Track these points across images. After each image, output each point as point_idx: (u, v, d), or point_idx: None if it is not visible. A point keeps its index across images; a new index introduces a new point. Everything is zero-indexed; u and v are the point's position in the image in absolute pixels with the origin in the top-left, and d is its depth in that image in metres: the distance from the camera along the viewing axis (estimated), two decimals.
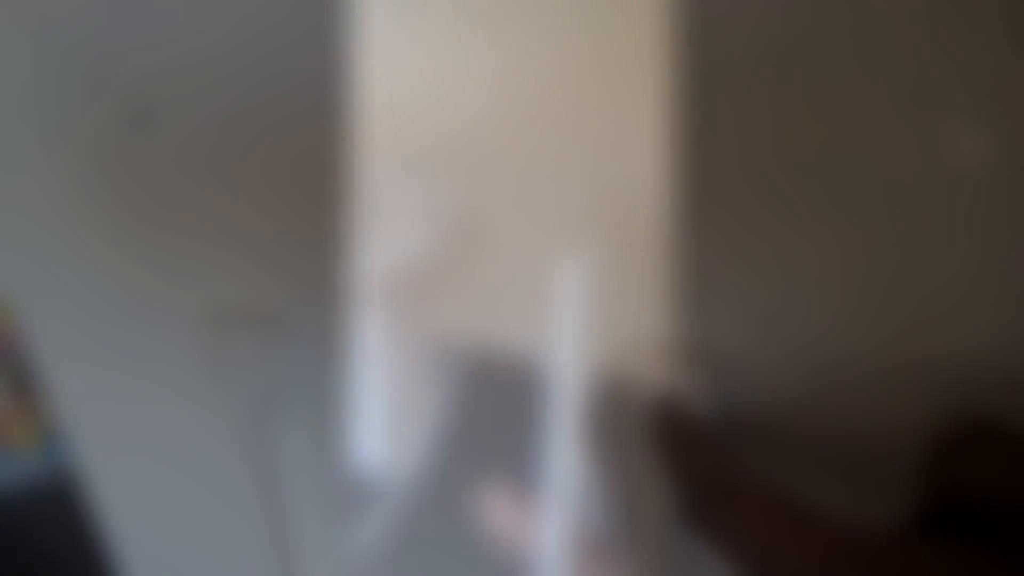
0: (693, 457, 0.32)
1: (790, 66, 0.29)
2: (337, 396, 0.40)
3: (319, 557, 0.45)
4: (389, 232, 0.34)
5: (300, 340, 0.39)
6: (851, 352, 0.32)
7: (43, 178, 0.38)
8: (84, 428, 0.47)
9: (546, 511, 0.36)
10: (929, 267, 0.30)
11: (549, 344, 0.34)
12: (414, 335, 0.36)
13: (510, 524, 0.36)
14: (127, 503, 0.48)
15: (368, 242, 0.34)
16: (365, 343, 0.37)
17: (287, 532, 0.43)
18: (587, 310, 0.33)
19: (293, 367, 0.39)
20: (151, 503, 0.48)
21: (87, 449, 0.48)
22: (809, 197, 0.30)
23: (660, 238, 0.32)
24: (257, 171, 0.35)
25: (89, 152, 0.37)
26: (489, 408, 0.35)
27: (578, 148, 0.32)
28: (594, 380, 0.34)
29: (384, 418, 0.38)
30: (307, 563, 0.44)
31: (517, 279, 0.34)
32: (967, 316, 0.30)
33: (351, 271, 0.35)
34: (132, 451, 0.46)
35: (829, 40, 0.29)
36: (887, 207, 0.30)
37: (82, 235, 0.39)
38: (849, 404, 0.32)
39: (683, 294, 0.32)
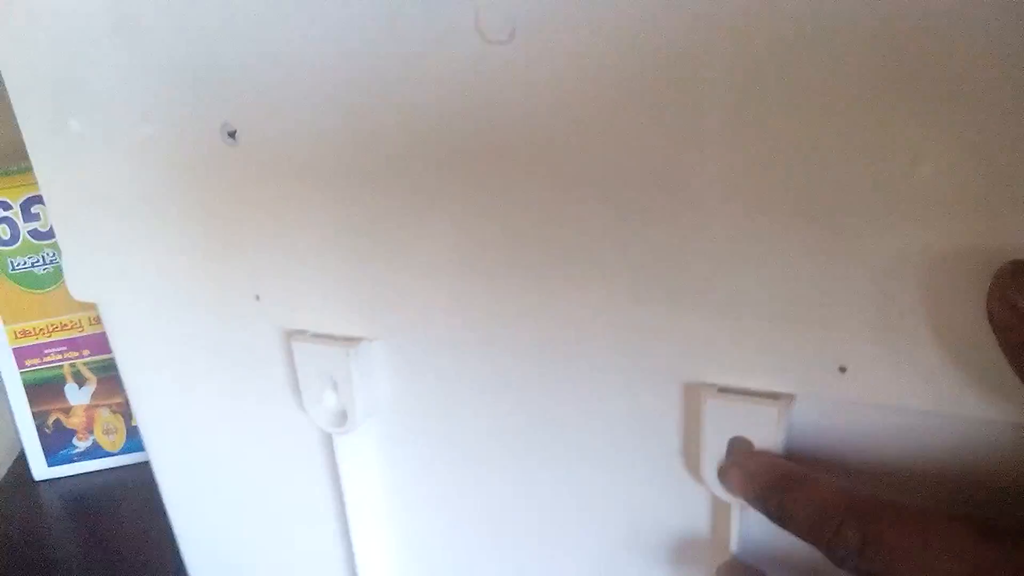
0: None
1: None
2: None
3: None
4: None
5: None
6: None
7: (138, 190, 0.40)
8: (162, 435, 0.49)
9: None
10: None
11: None
12: None
13: None
14: (195, 502, 0.50)
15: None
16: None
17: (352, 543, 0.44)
18: None
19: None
20: (214, 501, 0.49)
21: (163, 454, 0.50)
22: None
23: None
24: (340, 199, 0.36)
25: (182, 166, 0.38)
26: None
27: None
28: None
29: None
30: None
31: None
32: None
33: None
34: (207, 454, 0.48)
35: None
36: None
37: (173, 246, 0.40)
38: None
39: None
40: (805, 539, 0.32)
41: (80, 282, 0.45)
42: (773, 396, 0.33)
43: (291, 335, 0.41)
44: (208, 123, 0.37)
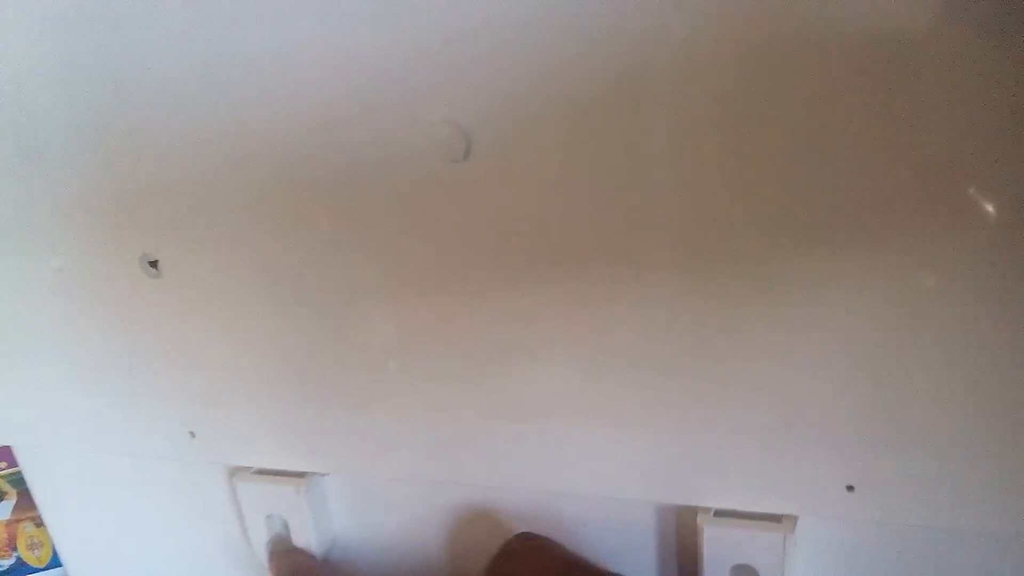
0: None
1: None
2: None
3: None
4: None
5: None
6: None
7: (50, 326, 0.36)
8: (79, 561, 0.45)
9: None
10: None
11: None
12: None
13: None
14: None
15: None
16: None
17: None
18: None
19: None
20: None
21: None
22: None
23: None
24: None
25: (100, 299, 0.34)
26: None
27: None
28: None
29: None
30: None
31: None
32: None
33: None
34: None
35: None
36: None
37: (94, 384, 0.36)
38: None
39: None
40: None
41: None
42: (775, 519, 0.30)
43: (233, 472, 0.37)
44: (126, 253, 0.34)
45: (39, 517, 0.74)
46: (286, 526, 0.37)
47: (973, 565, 0.30)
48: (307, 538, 0.36)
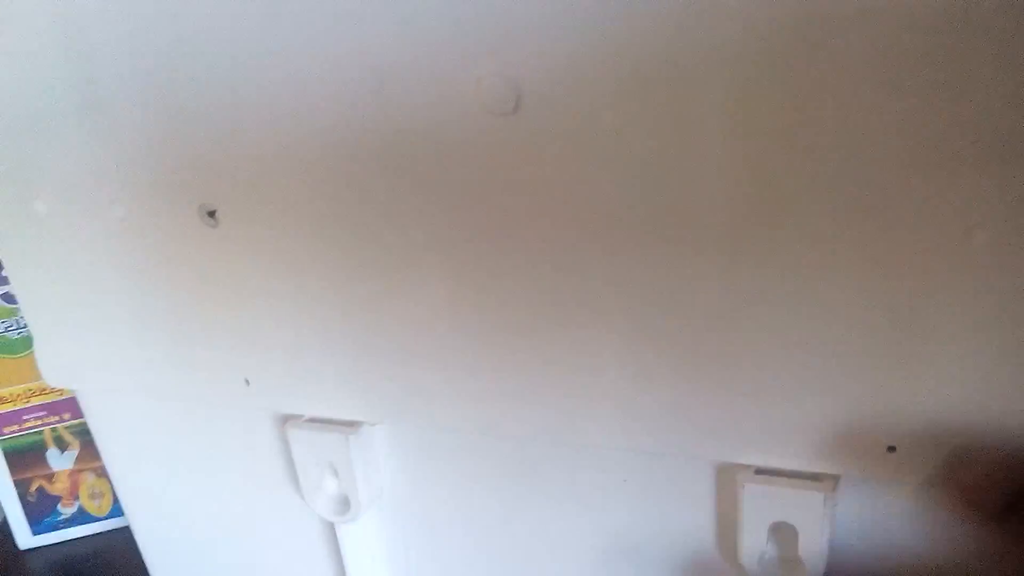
0: None
1: None
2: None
3: None
4: None
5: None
6: None
7: (112, 274, 0.37)
8: (149, 519, 0.46)
9: None
10: None
11: None
12: None
13: None
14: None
15: None
16: None
17: None
18: None
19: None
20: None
21: (151, 537, 0.47)
22: None
23: None
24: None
25: (159, 248, 0.35)
26: None
27: None
28: None
29: None
30: None
31: None
32: None
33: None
34: (199, 540, 0.45)
35: None
36: None
37: (152, 331, 0.37)
38: None
39: None
40: None
41: (54, 369, 0.42)
42: (815, 478, 0.31)
43: (285, 420, 0.38)
44: (185, 204, 0.34)
45: (100, 468, 0.76)
46: (337, 474, 0.38)
47: None
48: (355, 485, 0.37)
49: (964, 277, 0.26)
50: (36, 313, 0.41)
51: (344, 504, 0.39)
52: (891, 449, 0.29)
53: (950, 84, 0.24)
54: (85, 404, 0.44)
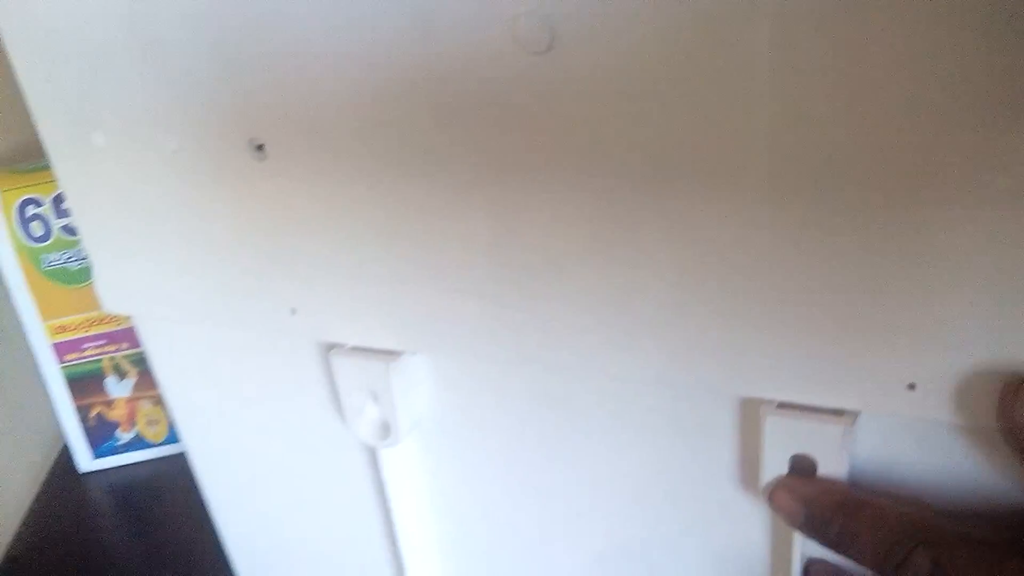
0: None
1: None
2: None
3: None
4: None
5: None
6: None
7: (167, 204, 0.39)
8: (203, 442, 0.48)
9: None
10: None
11: None
12: None
13: None
14: (239, 507, 0.49)
15: None
16: None
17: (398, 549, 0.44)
18: None
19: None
20: (258, 506, 0.49)
21: (205, 460, 0.49)
22: None
23: None
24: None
25: (211, 180, 0.37)
26: None
27: None
28: None
29: None
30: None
31: None
32: None
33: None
34: (250, 463, 0.47)
35: None
36: None
37: (204, 260, 0.39)
38: None
39: None
40: (867, 564, 0.31)
41: (112, 296, 0.44)
42: (836, 413, 0.32)
43: (329, 348, 0.40)
44: (234, 137, 0.36)
45: (157, 396, 0.79)
46: (377, 401, 0.40)
47: None
48: (395, 411, 0.39)
49: (982, 217, 0.26)
50: (95, 242, 0.43)
51: (384, 429, 0.40)
52: (911, 387, 0.30)
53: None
54: (141, 330, 0.46)
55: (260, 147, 0.36)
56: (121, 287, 0.43)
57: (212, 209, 0.38)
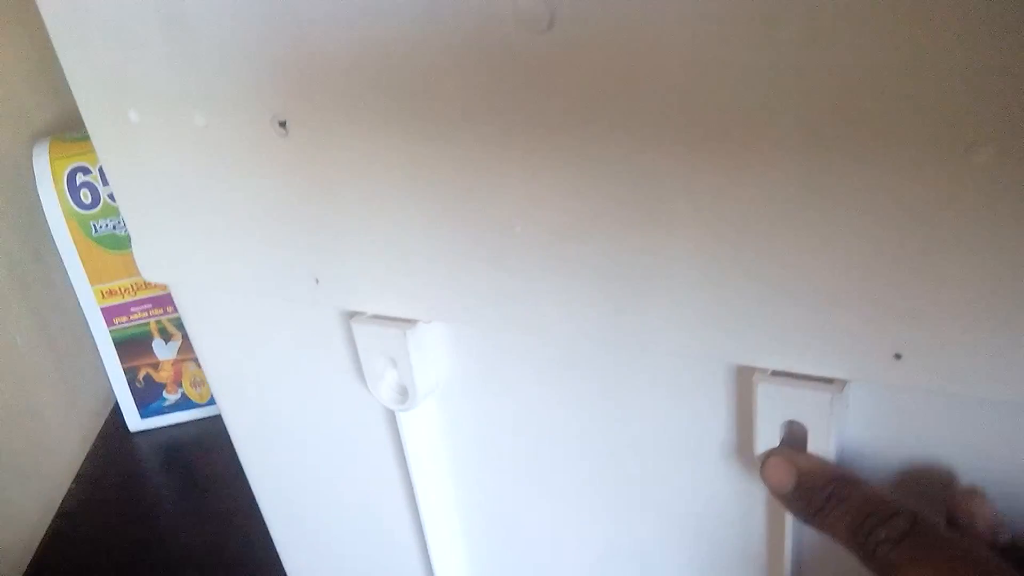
0: None
1: None
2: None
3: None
4: None
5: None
6: None
7: (197, 178, 0.41)
8: (236, 405, 0.51)
9: None
10: None
11: None
12: None
13: None
14: (270, 466, 0.52)
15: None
16: None
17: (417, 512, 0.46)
18: None
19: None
20: (287, 466, 0.51)
21: (238, 422, 0.52)
22: None
23: None
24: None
25: (237, 155, 0.39)
26: None
27: None
28: None
29: None
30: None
31: None
32: None
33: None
34: (279, 425, 0.50)
35: None
36: None
37: (233, 232, 0.41)
38: None
39: None
40: (848, 528, 0.32)
41: (150, 265, 0.46)
42: (827, 381, 0.33)
43: (351, 316, 0.42)
44: (259, 114, 0.38)
45: None
46: (396, 366, 0.42)
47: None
48: (412, 377, 0.41)
49: (966, 190, 0.27)
50: (133, 214, 0.45)
51: (403, 394, 0.42)
52: (897, 356, 0.31)
53: None
54: (177, 297, 0.48)
55: (283, 123, 0.37)
56: (157, 257, 0.46)
57: (239, 183, 0.40)
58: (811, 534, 0.35)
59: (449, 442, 0.45)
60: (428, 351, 0.41)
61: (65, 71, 0.42)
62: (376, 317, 0.41)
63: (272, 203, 0.40)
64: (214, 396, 0.52)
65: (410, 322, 0.41)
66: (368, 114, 0.36)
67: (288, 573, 0.58)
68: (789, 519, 0.36)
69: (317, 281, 0.41)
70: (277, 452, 0.52)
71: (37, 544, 0.75)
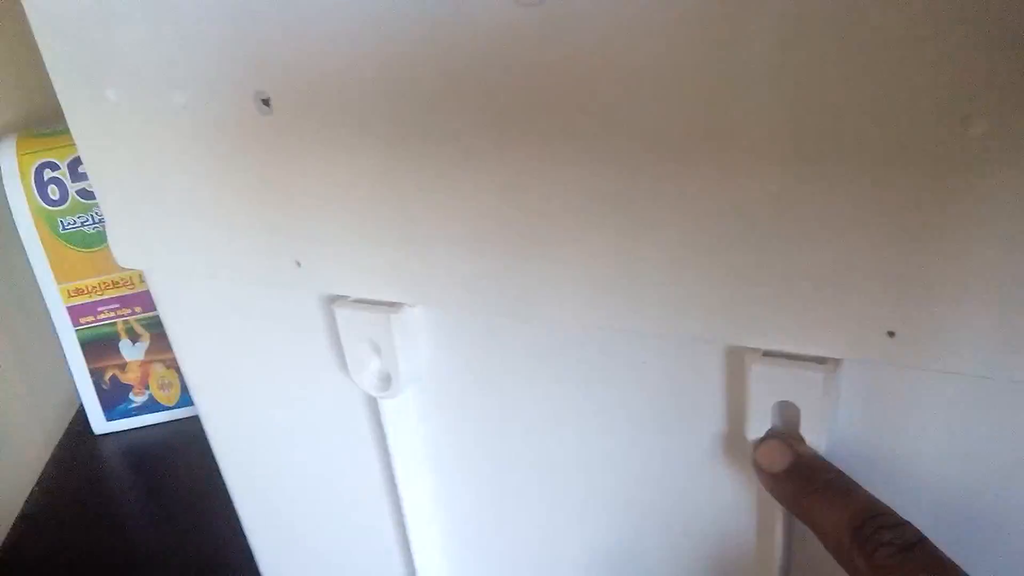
0: None
1: None
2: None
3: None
4: None
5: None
6: None
7: (175, 159, 0.40)
8: (211, 396, 0.50)
9: None
10: None
11: None
12: None
13: None
14: (246, 461, 0.51)
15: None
16: None
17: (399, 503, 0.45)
18: None
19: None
20: (264, 458, 0.50)
21: (212, 414, 0.51)
22: None
23: None
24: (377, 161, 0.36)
25: (217, 134, 0.38)
26: None
27: None
28: None
29: None
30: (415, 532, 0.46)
31: None
32: None
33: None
34: (256, 415, 0.49)
35: None
36: None
37: (212, 214, 0.40)
38: None
39: None
40: (847, 520, 0.31)
41: (125, 250, 0.45)
42: (819, 361, 0.33)
43: (333, 300, 0.41)
44: (241, 91, 0.37)
45: (170, 359, 0.81)
46: (379, 352, 0.41)
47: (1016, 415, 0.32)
48: (396, 363, 0.40)
49: (962, 164, 0.27)
50: (108, 198, 0.44)
51: (386, 381, 0.42)
52: (890, 334, 0.31)
53: None
54: (153, 286, 0.47)
55: (266, 101, 0.37)
56: (133, 242, 0.45)
57: (219, 164, 0.40)
58: (803, 528, 0.34)
59: (431, 430, 0.44)
60: (412, 336, 0.41)
61: (41, 49, 0.41)
62: (359, 301, 0.41)
63: (253, 184, 0.39)
64: (188, 388, 0.50)
65: (394, 306, 0.40)
66: (353, 91, 0.35)
67: (262, 570, 0.56)
68: (780, 514, 0.36)
69: (299, 264, 0.41)
70: (253, 444, 0.51)
71: None
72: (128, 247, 0.45)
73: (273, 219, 0.40)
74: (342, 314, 0.41)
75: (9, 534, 0.74)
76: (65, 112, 0.42)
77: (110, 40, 0.38)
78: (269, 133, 0.38)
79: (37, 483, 0.80)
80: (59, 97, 0.42)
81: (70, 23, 0.39)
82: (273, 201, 0.39)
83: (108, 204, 0.44)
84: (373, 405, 0.44)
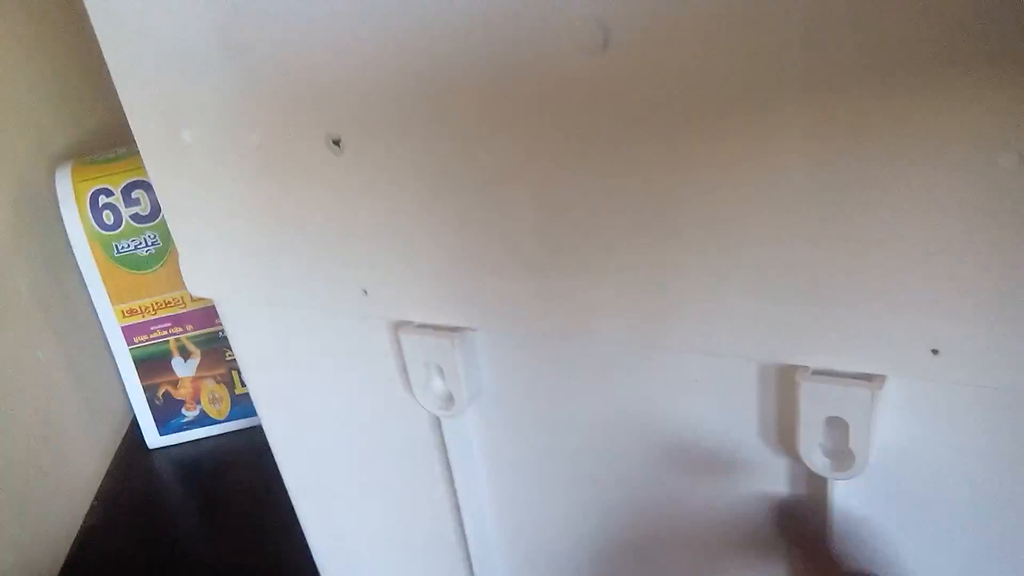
0: None
1: None
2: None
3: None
4: None
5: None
6: None
7: (248, 195, 0.42)
8: (279, 418, 0.52)
9: None
10: None
11: None
12: None
13: None
14: (312, 482, 0.53)
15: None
16: None
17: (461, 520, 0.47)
18: None
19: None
20: (330, 479, 0.53)
21: (280, 434, 0.53)
22: None
23: None
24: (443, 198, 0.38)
25: (290, 172, 0.40)
26: None
27: None
28: None
29: None
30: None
31: None
32: None
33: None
34: (323, 436, 0.51)
35: None
36: None
37: (283, 247, 0.43)
38: None
39: None
40: None
41: (196, 280, 0.48)
42: (867, 378, 0.35)
43: (398, 326, 0.43)
44: (312, 132, 0.39)
45: (220, 375, 0.83)
46: (443, 374, 0.43)
47: None
48: (459, 383, 0.43)
49: (996, 191, 0.29)
50: (181, 230, 0.46)
51: (449, 400, 0.44)
52: (935, 352, 0.33)
53: None
54: (222, 313, 0.50)
55: (337, 141, 0.39)
56: (204, 272, 0.47)
57: (290, 200, 0.42)
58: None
59: (491, 446, 0.46)
60: (473, 358, 0.43)
61: (119, 91, 0.43)
62: (422, 326, 0.43)
63: (323, 219, 0.42)
64: (256, 408, 0.53)
65: (457, 330, 0.42)
66: (421, 130, 0.37)
67: None
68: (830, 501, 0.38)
69: (365, 292, 0.43)
70: (320, 464, 0.53)
71: (62, 562, 0.76)
72: (199, 277, 0.48)
73: (341, 250, 0.42)
74: (407, 339, 0.43)
75: (73, 544, 0.77)
76: (141, 151, 0.44)
77: (186, 84, 0.41)
78: (339, 171, 0.40)
79: (96, 497, 0.83)
80: (135, 137, 0.44)
81: (147, 67, 0.41)
82: (341, 233, 0.42)
83: (180, 236, 0.47)
84: (436, 424, 0.46)
